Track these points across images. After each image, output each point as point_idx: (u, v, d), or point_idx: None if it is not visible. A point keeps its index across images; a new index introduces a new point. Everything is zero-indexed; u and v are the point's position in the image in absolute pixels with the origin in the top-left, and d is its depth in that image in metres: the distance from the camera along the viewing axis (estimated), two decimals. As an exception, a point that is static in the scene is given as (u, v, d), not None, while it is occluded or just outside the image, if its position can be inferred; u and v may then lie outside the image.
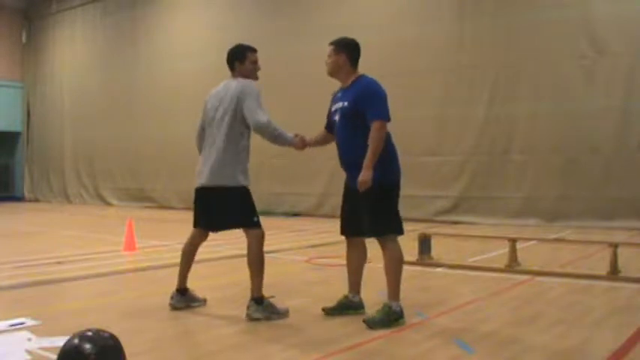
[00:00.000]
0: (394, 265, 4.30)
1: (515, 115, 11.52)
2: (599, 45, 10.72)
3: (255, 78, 4.74)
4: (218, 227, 4.73)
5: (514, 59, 11.50)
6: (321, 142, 4.89)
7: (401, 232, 4.35)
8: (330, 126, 4.67)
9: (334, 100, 4.59)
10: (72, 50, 20.55)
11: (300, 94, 13.88)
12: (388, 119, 4.28)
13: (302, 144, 4.71)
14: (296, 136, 4.67)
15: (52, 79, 21.23)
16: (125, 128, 18.31)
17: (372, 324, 4.14)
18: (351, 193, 4.46)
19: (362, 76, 4.48)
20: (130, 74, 18.33)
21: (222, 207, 4.57)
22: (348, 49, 4.48)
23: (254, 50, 4.76)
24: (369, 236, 4.40)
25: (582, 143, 10.85)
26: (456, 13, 12.17)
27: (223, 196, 4.53)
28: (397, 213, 4.37)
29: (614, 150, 10.60)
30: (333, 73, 4.55)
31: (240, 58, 4.70)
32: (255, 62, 4.74)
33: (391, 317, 4.18)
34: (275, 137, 4.55)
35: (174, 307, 4.74)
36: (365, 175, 4.16)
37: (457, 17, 12.15)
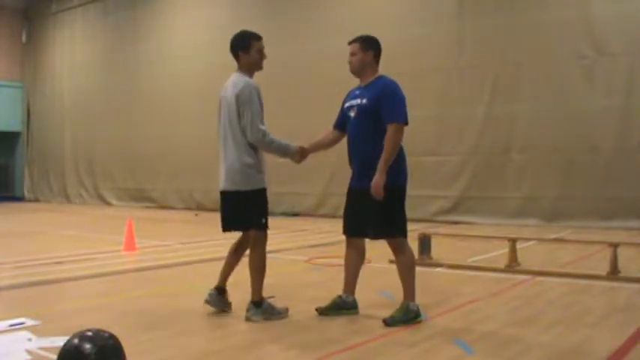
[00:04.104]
0: (407, 268, 4.33)
1: (515, 115, 11.52)
2: (599, 45, 10.72)
3: (260, 68, 4.54)
4: (231, 228, 4.63)
5: (514, 59, 11.49)
6: (326, 144, 4.77)
7: (404, 235, 4.34)
8: (340, 124, 4.59)
9: (350, 97, 4.50)
10: (72, 50, 20.53)
11: (300, 94, 13.88)
12: (406, 122, 4.25)
13: (302, 158, 4.60)
14: (300, 149, 4.55)
15: (52, 79, 21.21)
16: (125, 128, 18.30)
17: (391, 322, 4.19)
18: (355, 192, 4.43)
19: (382, 76, 4.42)
20: (130, 74, 18.31)
21: (235, 209, 4.52)
22: (375, 47, 4.42)
23: (259, 38, 4.50)
24: (372, 238, 4.38)
25: (582, 143, 10.85)
26: (456, 13, 12.16)
27: (236, 198, 4.48)
28: (403, 215, 4.34)
29: (614, 150, 10.60)
30: (357, 71, 4.44)
31: (245, 48, 4.46)
32: (261, 51, 4.50)
33: (409, 316, 4.25)
34: (272, 150, 4.46)
35: (206, 302, 4.62)
36: (378, 180, 4.12)
37: (457, 17, 12.15)
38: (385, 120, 4.19)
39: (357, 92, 4.46)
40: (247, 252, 4.63)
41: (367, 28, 12.62)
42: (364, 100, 4.33)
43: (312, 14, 14.12)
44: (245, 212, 4.50)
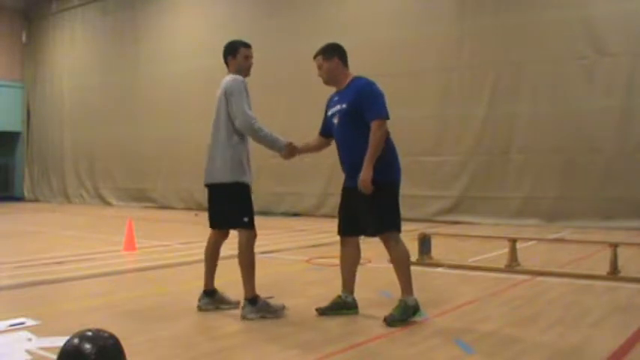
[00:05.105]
0: (401, 262, 4.33)
1: (515, 115, 11.52)
2: (599, 45, 10.72)
3: (247, 74, 4.71)
4: (218, 226, 4.72)
5: (514, 59, 11.49)
6: (314, 148, 4.88)
7: (398, 229, 4.35)
8: (326, 131, 4.66)
9: (331, 104, 4.58)
10: (72, 50, 20.54)
11: (300, 94, 13.87)
12: (387, 117, 4.29)
13: (290, 154, 4.66)
14: (289, 144, 4.61)
15: (52, 79, 21.22)
16: (125, 128, 18.30)
17: (391, 321, 4.19)
18: (349, 191, 4.46)
19: (357, 78, 4.48)
20: (130, 74, 18.32)
21: (217, 205, 4.63)
22: (338, 52, 4.50)
23: (247, 45, 4.74)
24: (370, 235, 4.39)
25: (582, 143, 10.85)
26: (456, 12, 12.17)
27: (217, 193, 4.58)
28: (397, 211, 4.36)
29: (614, 150, 10.60)
30: (330, 80, 4.54)
31: (233, 53, 4.69)
32: (248, 57, 4.71)
33: (409, 312, 4.25)
34: (260, 138, 4.53)
35: (201, 309, 4.70)
36: (365, 174, 4.16)
37: (457, 17, 12.15)
38: (367, 118, 4.24)
39: (336, 98, 4.53)
40: (235, 251, 4.63)
41: (367, 28, 12.69)
42: (344, 105, 4.40)
43: (312, 13, 14.12)
44: (227, 207, 4.55)
